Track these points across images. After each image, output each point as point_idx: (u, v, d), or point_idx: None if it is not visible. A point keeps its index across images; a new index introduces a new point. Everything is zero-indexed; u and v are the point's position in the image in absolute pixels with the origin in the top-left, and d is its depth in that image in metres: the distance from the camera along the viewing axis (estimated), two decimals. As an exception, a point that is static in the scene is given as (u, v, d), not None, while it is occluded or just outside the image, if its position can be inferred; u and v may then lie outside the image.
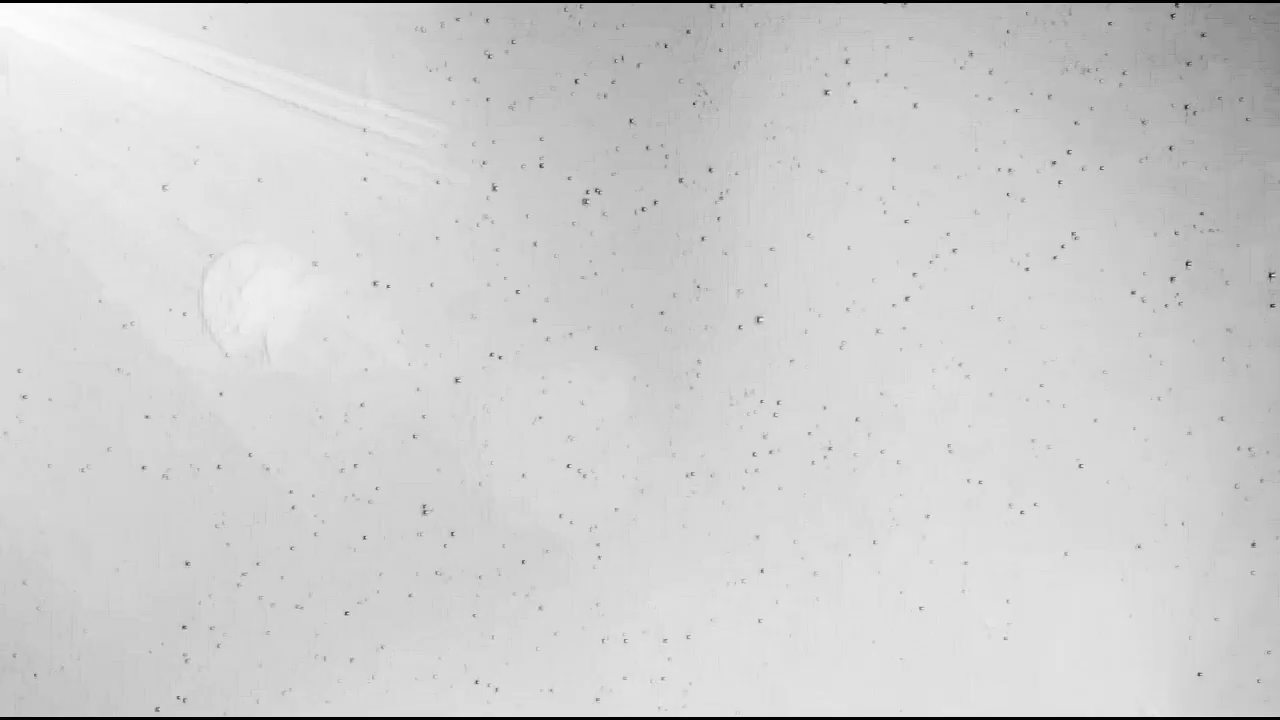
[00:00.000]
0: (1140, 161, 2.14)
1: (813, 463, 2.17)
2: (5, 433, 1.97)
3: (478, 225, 2.06)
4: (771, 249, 2.13)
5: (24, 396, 1.97)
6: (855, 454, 2.19)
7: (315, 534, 2.07)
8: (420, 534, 2.09)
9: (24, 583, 1.99)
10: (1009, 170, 2.14)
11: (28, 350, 1.98)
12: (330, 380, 2.05)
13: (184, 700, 2.03)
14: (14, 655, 1.98)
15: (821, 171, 2.12)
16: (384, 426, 2.07)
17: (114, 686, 2.01)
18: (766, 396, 2.15)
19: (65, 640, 2.00)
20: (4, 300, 1.97)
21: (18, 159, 1.98)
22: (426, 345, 2.07)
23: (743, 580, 2.18)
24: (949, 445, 2.19)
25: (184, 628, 2.04)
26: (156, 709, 2.02)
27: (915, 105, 2.12)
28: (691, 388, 2.12)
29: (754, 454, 2.15)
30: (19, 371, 1.97)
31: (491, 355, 2.09)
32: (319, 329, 2.05)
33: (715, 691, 2.18)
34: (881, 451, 2.19)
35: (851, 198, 2.13)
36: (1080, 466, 2.19)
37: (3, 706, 1.97)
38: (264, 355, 1.97)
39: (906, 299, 2.16)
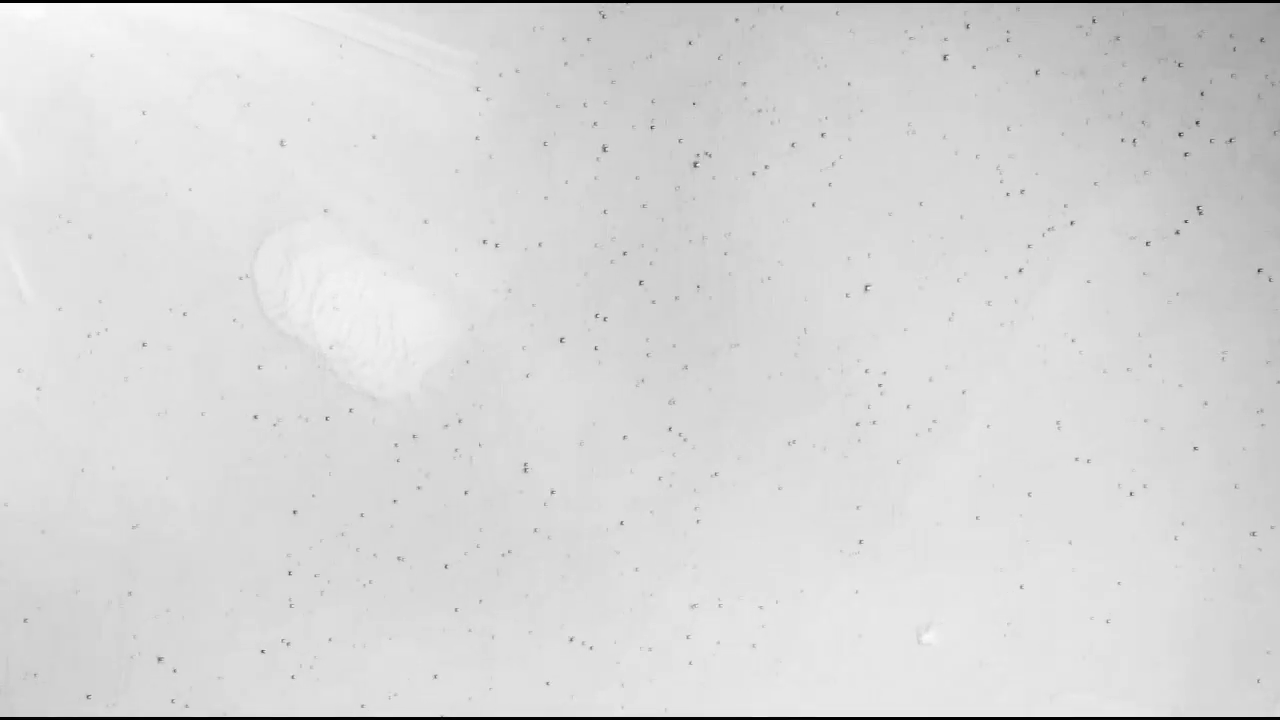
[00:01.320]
0: (1273, 135, 2.06)
1: (916, 435, 2.14)
2: (125, 378, 2.02)
3: (587, 186, 2.06)
4: (885, 215, 2.09)
5: (144, 344, 2.02)
6: (961, 428, 2.15)
7: (419, 487, 2.09)
8: (521, 491, 2.11)
9: (135, 527, 2.04)
10: (1132, 141, 2.08)
11: (147, 300, 2.03)
12: (437, 337, 2.07)
13: (288, 644, 2.07)
14: (129, 593, 2.04)
15: (941, 138, 2.08)
16: (489, 383, 2.08)
17: (221, 628, 2.06)
18: (872, 366, 2.12)
19: (174, 583, 2.05)
20: (125, 250, 2.02)
21: (143, 113, 2.02)
22: (533, 304, 2.08)
23: (840, 550, 2.16)
24: (1058, 422, 2.15)
25: (289, 574, 2.08)
26: (262, 651, 2.07)
27: (1037, 72, 2.07)
28: (795, 355, 2.10)
29: (857, 424, 2.13)
30: (140, 320, 2.02)
31: (597, 316, 2.09)
32: (427, 285, 2.07)
33: (808, 661, 2.17)
34: (988, 426, 2.15)
35: (966, 166, 2.09)
36: (1195, 449, 2.13)
37: (115, 642, 2.03)
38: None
39: (1019, 271, 2.11)
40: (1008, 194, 2.09)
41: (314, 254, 2.05)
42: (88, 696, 2.02)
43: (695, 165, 2.08)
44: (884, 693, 2.17)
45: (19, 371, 2.00)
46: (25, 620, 2.01)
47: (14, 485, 2.00)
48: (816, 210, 2.09)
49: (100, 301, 2.01)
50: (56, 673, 2.02)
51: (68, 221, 2.00)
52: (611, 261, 2.08)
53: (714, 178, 2.08)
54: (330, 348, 2.04)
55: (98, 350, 2.01)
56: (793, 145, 2.07)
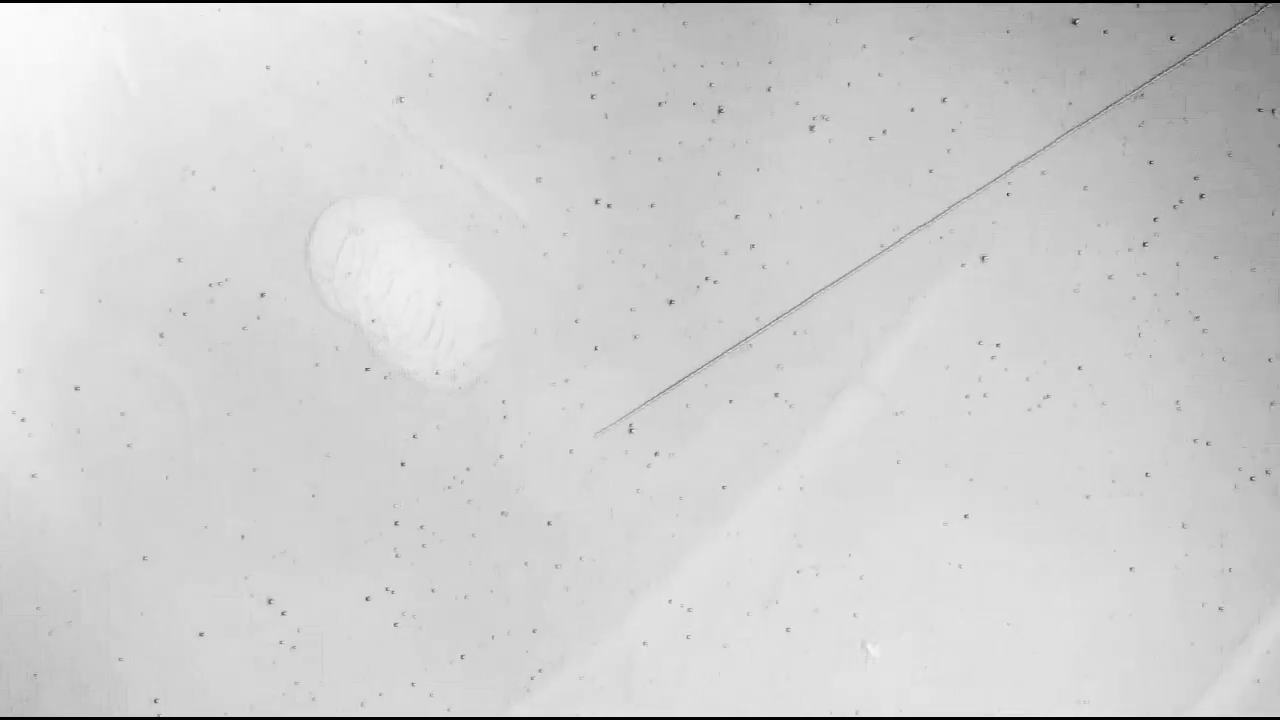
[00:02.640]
0: None
1: (1029, 410, 2.10)
2: (244, 328, 2.06)
3: (701, 148, 2.05)
4: (1003, 185, 2.05)
5: (262, 294, 2.07)
6: (1075, 404, 2.10)
7: (522, 445, 2.11)
8: (626, 452, 2.11)
9: (254, 470, 2.09)
10: (1271, 111, 2.00)
11: (261, 250, 2.07)
12: (545, 296, 2.08)
13: (392, 592, 2.11)
14: (242, 536, 2.10)
15: (1067, 105, 2.02)
16: (598, 344, 2.09)
17: (329, 573, 2.10)
18: (985, 338, 2.08)
19: (288, 527, 2.10)
20: (246, 203, 2.06)
21: (267, 67, 2.06)
22: (643, 265, 2.08)
23: (945, 524, 2.13)
24: (1177, 402, 2.09)
25: (395, 524, 2.11)
26: (367, 598, 2.11)
27: (1171, 38, 2.00)
28: (899, 326, 2.07)
29: (967, 396, 2.09)
30: (260, 270, 2.06)
31: (707, 279, 2.08)
32: (537, 245, 2.08)
33: (911, 632, 2.14)
34: (1103, 404, 2.09)
35: (1093, 134, 2.03)
36: (1322, 434, 2.06)
37: (230, 582, 2.09)
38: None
39: (1144, 245, 2.05)
40: (1134, 164, 2.03)
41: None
42: (201, 634, 2.08)
43: (811, 129, 2.05)
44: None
45: (140, 318, 2.06)
46: (145, 558, 2.08)
47: (142, 430, 2.06)
48: (932, 177, 2.05)
49: (221, 252, 2.05)
50: (176, 607, 2.08)
51: (192, 173, 2.05)
52: (723, 225, 2.06)
53: (830, 141, 2.06)
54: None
55: (218, 300, 2.06)
56: (912, 110, 2.04)
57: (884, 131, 2.03)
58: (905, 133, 2.03)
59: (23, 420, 2.03)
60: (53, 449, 2.04)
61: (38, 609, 2.05)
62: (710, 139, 2.05)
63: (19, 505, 2.04)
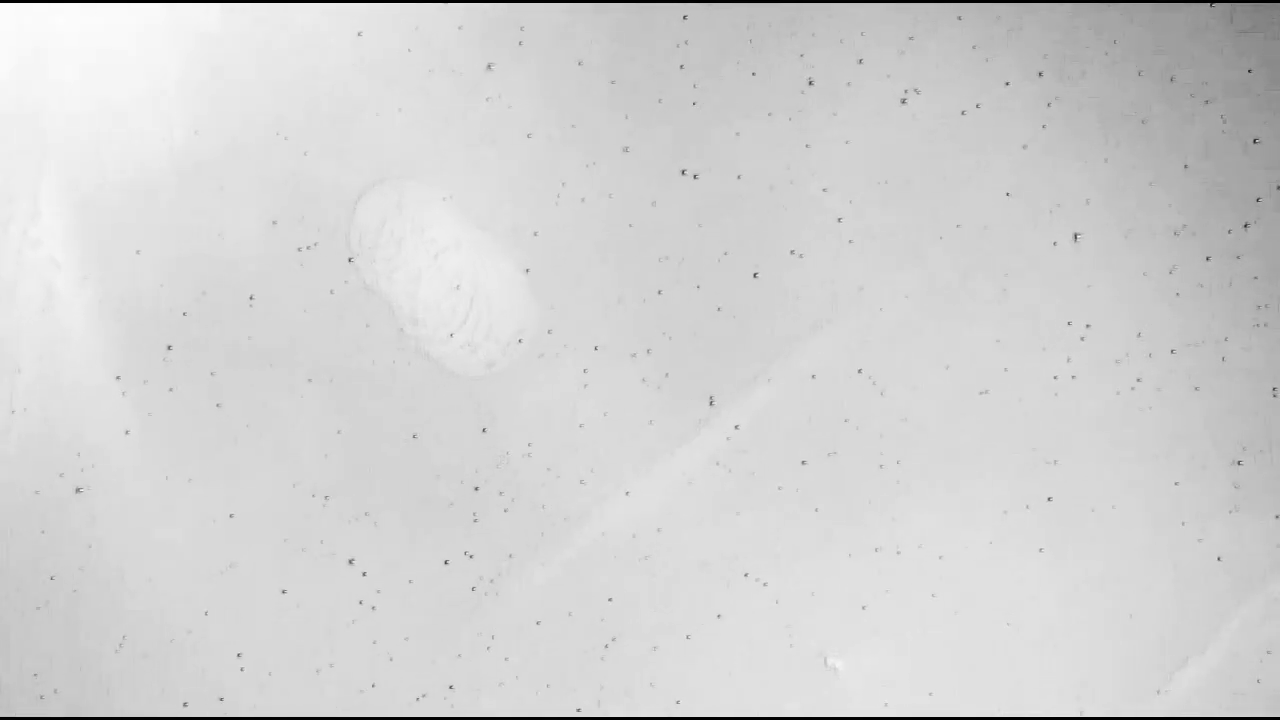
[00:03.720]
0: None
1: (1118, 393, 2.06)
2: (331, 291, 2.09)
3: (789, 119, 2.03)
4: (1102, 161, 2.00)
5: (349, 259, 2.09)
6: (1161, 389, 2.06)
7: (605, 414, 2.11)
8: (706, 422, 2.11)
9: (339, 432, 2.12)
10: (1385, 90, 1.93)
11: (349, 215, 2.09)
12: (630, 266, 2.08)
13: (471, 557, 2.13)
14: (325, 498, 2.13)
15: (1170, 80, 1.97)
16: (678, 315, 2.08)
17: (409, 536, 2.13)
18: (1075, 318, 2.04)
19: (371, 490, 2.13)
20: (336, 169, 2.08)
21: (359, 34, 2.07)
22: (728, 237, 2.07)
23: (1028, 506, 2.10)
24: (1274, 389, 2.03)
25: (476, 489, 2.13)
26: (445, 561, 2.14)
27: (1282, 13, 1.94)
28: (991, 304, 2.04)
29: (1055, 377, 2.06)
30: (348, 237, 2.09)
31: (792, 253, 2.06)
32: (623, 215, 2.08)
33: (986, 616, 2.12)
34: (1196, 388, 2.05)
35: (1196, 111, 1.98)
36: None
37: (314, 544, 2.13)
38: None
39: (1245, 226, 2.00)
40: (1238, 142, 1.97)
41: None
42: (283, 591, 2.12)
43: (903, 102, 2.02)
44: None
45: (232, 281, 2.09)
46: (231, 516, 2.12)
47: (230, 390, 2.10)
48: (1027, 152, 2.01)
49: (312, 217, 2.08)
50: (260, 564, 2.12)
51: (285, 139, 2.07)
52: (810, 197, 2.05)
53: (915, 117, 2.03)
54: (526, 270, 2.07)
55: (308, 264, 2.09)
56: (1006, 84, 2.00)
57: (977, 106, 2.00)
58: (999, 107, 1.99)
59: (117, 378, 2.07)
60: (145, 407, 2.09)
61: (122, 567, 2.10)
62: (800, 111, 2.03)
63: (114, 462, 2.09)
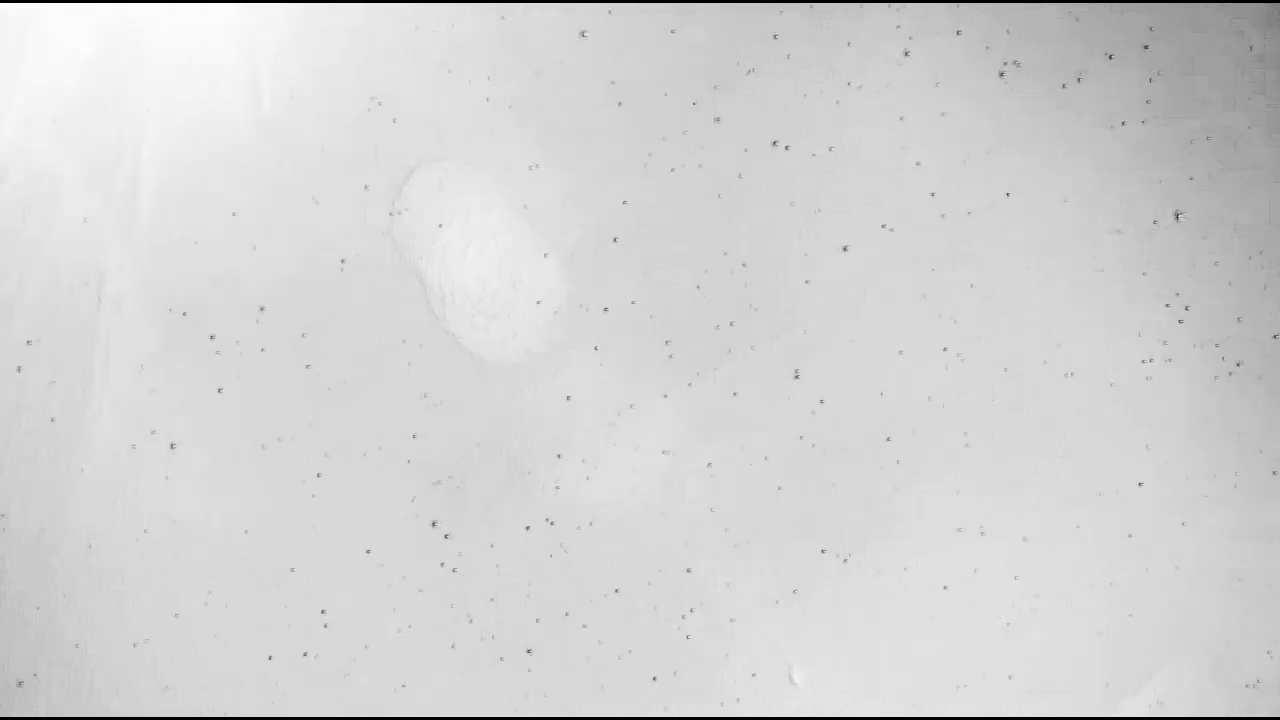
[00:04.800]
0: None
1: (1215, 378, 2.01)
2: (422, 257, 2.11)
3: (886, 86, 2.00)
4: (1204, 140, 1.95)
5: (439, 225, 2.11)
6: (1262, 376, 2.00)
7: (689, 384, 2.11)
8: (789, 398, 2.10)
9: (425, 395, 2.15)
10: None
11: (437, 184, 2.10)
12: (714, 240, 2.07)
13: (552, 523, 2.15)
14: (408, 461, 2.15)
15: (1246, 49, 1.91)
16: (765, 288, 2.07)
17: (492, 501, 2.14)
18: (1174, 301, 2.00)
19: (456, 454, 2.15)
20: (424, 130, 2.10)
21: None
22: (818, 210, 2.05)
23: (1117, 491, 2.06)
24: (1380, 376, 1.97)
25: (559, 456, 2.14)
26: (527, 527, 2.15)
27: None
28: (1085, 285, 2.00)
29: (1149, 360, 2.01)
30: (436, 204, 2.10)
31: (883, 227, 2.04)
32: (711, 186, 2.07)
33: (1069, 599, 2.09)
34: (1259, 377, 1.99)
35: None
36: None
37: (397, 505, 2.15)
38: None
39: (1354, 208, 1.94)
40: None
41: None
42: (367, 551, 2.15)
43: (1001, 75, 1.99)
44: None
45: (326, 246, 2.12)
46: (319, 475, 2.15)
47: (321, 352, 2.13)
48: (1126, 129, 1.97)
49: (403, 185, 2.10)
50: (346, 525, 2.15)
51: (379, 104, 2.09)
52: (902, 170, 2.02)
53: (1018, 90, 1.99)
54: (614, 240, 2.07)
55: (395, 230, 2.11)
56: (1110, 57, 1.95)
57: (1078, 79, 1.96)
58: (1101, 80, 1.95)
59: (211, 337, 2.11)
60: (237, 367, 2.13)
61: (210, 522, 2.14)
62: (894, 82, 2.00)
63: (207, 419, 2.13)
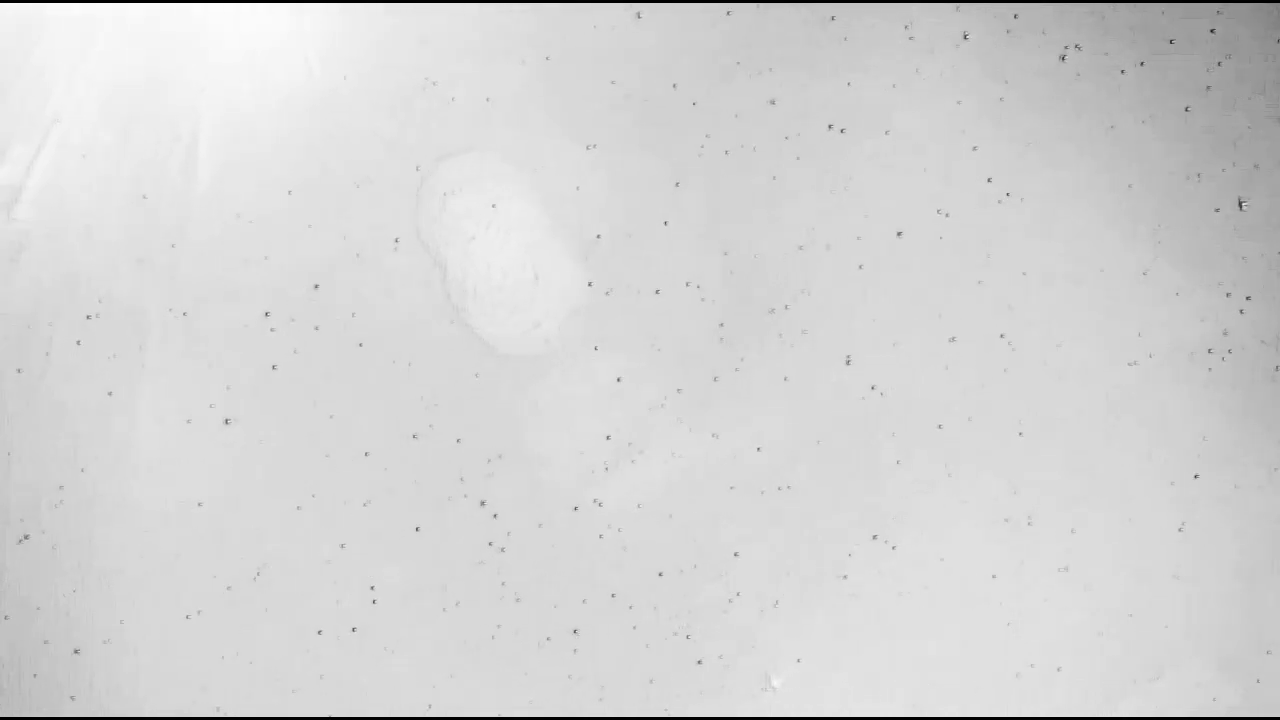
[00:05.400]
0: None
1: (1277, 368, 1.98)
2: (472, 238, 2.12)
3: (942, 75, 1.99)
4: (1269, 120, 1.92)
5: (493, 205, 2.11)
6: (1324, 367, 1.97)
7: (737, 369, 2.11)
8: (839, 382, 2.09)
9: (477, 374, 2.16)
10: None
11: (491, 165, 2.11)
12: (767, 223, 2.07)
13: (600, 504, 2.15)
14: (458, 440, 2.17)
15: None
16: (819, 272, 2.07)
17: (540, 482, 2.15)
18: (1235, 289, 1.97)
19: (505, 433, 2.16)
20: (478, 108, 2.10)
21: (508, -19, 2.09)
22: (872, 194, 2.04)
23: (1171, 483, 2.04)
24: None
25: (607, 438, 2.15)
26: (575, 508, 2.16)
27: None
28: (1145, 273, 1.98)
29: (1209, 350, 1.99)
30: (493, 186, 2.11)
31: (938, 212, 2.03)
32: (765, 169, 2.06)
33: (1115, 591, 2.07)
34: (1356, 366, 1.96)
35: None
36: None
37: (444, 484, 2.17)
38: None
39: None
40: None
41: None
42: (416, 529, 2.17)
43: (1062, 59, 1.97)
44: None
45: (379, 226, 2.13)
46: (366, 454, 2.17)
47: (373, 329, 2.15)
48: (1190, 115, 1.94)
49: (454, 164, 2.10)
50: (396, 501, 2.17)
51: (434, 84, 2.10)
52: (957, 157, 2.01)
53: (1079, 75, 1.97)
54: (664, 224, 2.07)
55: (449, 208, 2.12)
56: (1170, 42, 1.93)
57: (1141, 64, 1.93)
58: (1164, 66, 1.92)
59: (266, 314, 2.13)
60: (292, 344, 2.14)
61: (264, 496, 2.16)
62: (951, 68, 1.98)
63: (261, 395, 2.16)
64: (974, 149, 2.00)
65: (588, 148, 2.09)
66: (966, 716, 2.09)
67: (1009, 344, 2.04)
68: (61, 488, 2.05)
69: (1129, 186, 1.97)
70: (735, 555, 2.15)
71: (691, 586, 2.17)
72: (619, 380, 2.14)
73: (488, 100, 2.08)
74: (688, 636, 2.16)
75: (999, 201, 2.01)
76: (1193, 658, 2.05)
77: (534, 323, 2.11)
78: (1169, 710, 2.03)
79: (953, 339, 2.05)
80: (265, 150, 2.13)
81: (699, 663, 2.16)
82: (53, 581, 2.02)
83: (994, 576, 2.10)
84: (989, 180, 2.00)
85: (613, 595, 2.17)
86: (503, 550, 2.17)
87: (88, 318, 2.05)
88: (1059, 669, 2.09)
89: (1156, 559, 2.02)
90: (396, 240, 2.12)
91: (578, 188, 2.11)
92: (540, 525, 2.16)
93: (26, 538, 2.03)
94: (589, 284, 2.13)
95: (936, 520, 2.08)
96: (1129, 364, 2.00)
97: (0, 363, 2.04)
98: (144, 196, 2.09)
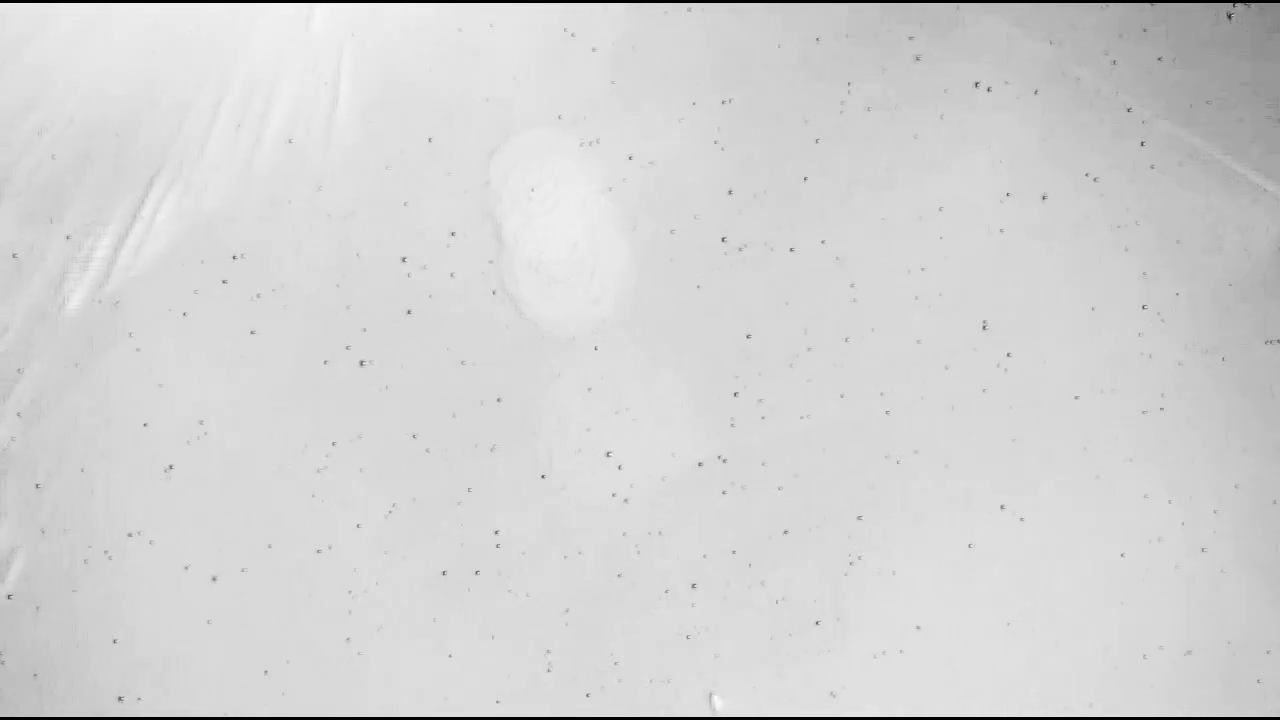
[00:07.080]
0: None
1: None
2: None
3: (1099, 26, 1.94)
4: None
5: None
6: None
7: (873, 329, 2.09)
8: (976, 349, 2.07)
9: (602, 321, 2.18)
10: None
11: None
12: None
13: (724, 461, 2.16)
14: (589, 389, 2.19)
15: None
16: (957, 237, 2.04)
17: (665, 437, 2.16)
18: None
19: (632, 386, 2.17)
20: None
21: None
22: (1019, 157, 2.00)
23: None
24: None
25: (735, 395, 2.15)
26: (700, 463, 2.17)
27: None
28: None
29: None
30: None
31: (1087, 175, 1.98)
32: (909, 129, 2.04)
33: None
34: None
35: None
36: None
37: (569, 434, 2.19)
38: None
39: None
40: None
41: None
42: (543, 476, 2.20)
43: (1229, 17, 1.90)
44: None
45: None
46: (500, 399, 2.20)
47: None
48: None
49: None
50: (525, 449, 2.20)
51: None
52: (1114, 116, 1.96)
53: (1239, 33, 1.90)
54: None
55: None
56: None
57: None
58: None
59: (403, 260, 2.18)
60: (428, 289, 2.19)
61: (393, 440, 2.21)
62: (1107, 22, 1.93)
63: (394, 340, 2.21)
64: (1128, 110, 1.95)
65: (723, 103, 2.09)
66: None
67: (1157, 314, 1.99)
68: (201, 422, 2.13)
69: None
70: (859, 519, 2.15)
71: (813, 548, 2.17)
72: (749, 337, 2.14)
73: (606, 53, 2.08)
74: (802, 598, 2.16)
75: (1152, 167, 1.96)
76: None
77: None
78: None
79: (1093, 308, 2.01)
80: (404, 95, 2.17)
81: (816, 623, 2.16)
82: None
83: (1124, 554, 2.06)
84: (1142, 144, 1.95)
85: (733, 551, 2.18)
86: (626, 501, 2.19)
87: (233, 258, 2.11)
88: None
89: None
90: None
91: (715, 140, 2.11)
92: (664, 479, 2.18)
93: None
94: (722, 239, 2.13)
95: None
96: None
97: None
98: (289, 141, 2.15)
